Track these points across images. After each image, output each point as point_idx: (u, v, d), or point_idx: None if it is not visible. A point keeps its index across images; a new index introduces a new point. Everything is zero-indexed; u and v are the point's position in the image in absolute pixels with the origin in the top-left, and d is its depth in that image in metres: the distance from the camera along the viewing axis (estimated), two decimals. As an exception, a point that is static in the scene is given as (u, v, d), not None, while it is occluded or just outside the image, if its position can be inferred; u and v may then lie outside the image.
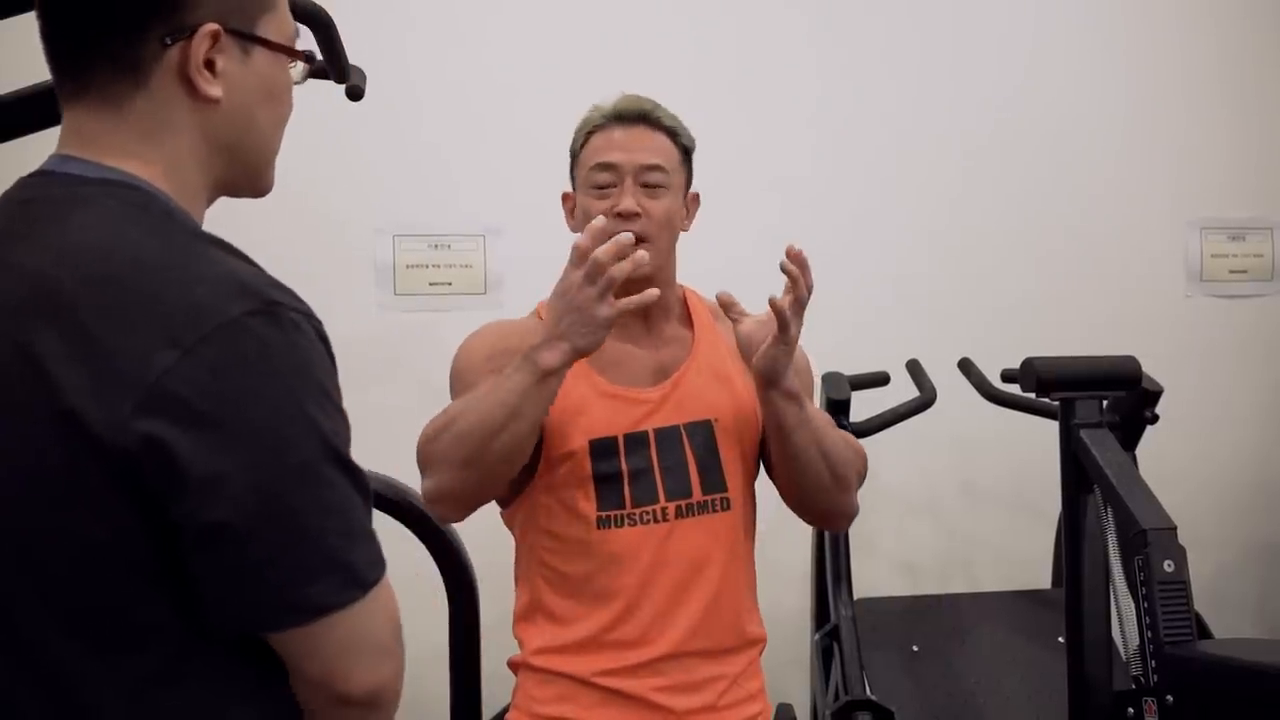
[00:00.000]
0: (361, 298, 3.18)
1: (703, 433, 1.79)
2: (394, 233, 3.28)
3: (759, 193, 3.34)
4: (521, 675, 1.82)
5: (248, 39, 1.07)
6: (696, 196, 1.89)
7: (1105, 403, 2.42)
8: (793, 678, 3.09)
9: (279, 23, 1.11)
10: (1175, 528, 2.17)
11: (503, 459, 1.65)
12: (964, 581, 3.48)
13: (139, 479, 0.93)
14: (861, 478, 1.87)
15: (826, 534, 2.97)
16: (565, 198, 1.87)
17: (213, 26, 1.04)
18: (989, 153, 3.55)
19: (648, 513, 1.75)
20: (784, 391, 1.71)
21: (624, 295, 1.64)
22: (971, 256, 3.53)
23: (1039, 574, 3.28)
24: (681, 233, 1.87)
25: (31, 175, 1.08)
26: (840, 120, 3.50)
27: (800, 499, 1.84)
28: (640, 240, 1.71)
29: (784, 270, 1.67)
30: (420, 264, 3.30)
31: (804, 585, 3.12)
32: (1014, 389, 2.76)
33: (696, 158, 1.89)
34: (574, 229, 1.84)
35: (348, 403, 1.05)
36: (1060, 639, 2.46)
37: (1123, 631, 2.32)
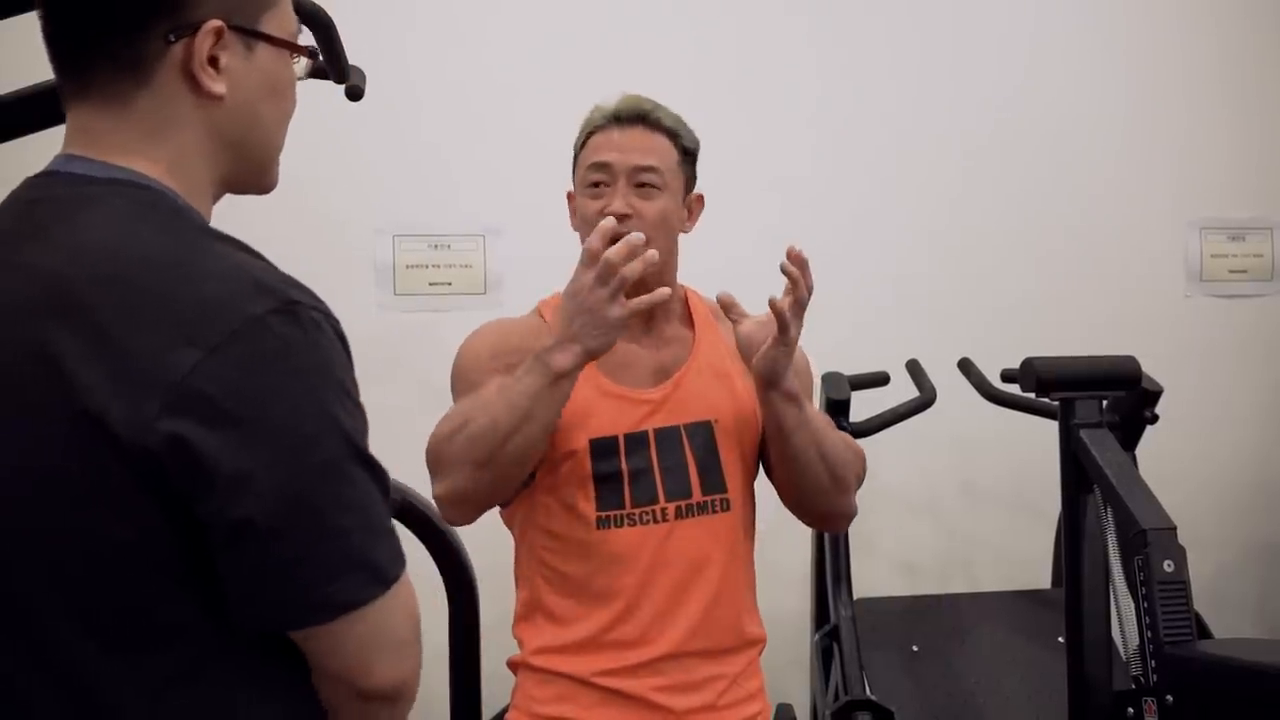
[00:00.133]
0: (361, 298, 3.18)
1: (703, 433, 1.79)
2: (394, 233, 3.28)
3: (759, 193, 3.34)
4: (521, 675, 1.82)
5: (251, 35, 1.07)
6: (700, 198, 1.88)
7: (1105, 403, 2.42)
8: (793, 678, 3.09)
9: (281, 18, 1.11)
10: (1175, 528, 2.17)
11: (516, 461, 1.66)
12: (964, 581, 3.48)
13: (163, 479, 0.93)
14: (860, 479, 1.87)
15: (826, 534, 2.97)
16: (569, 197, 1.87)
17: (216, 23, 1.03)
18: (989, 153, 3.55)
19: (647, 513, 1.75)
20: (784, 393, 1.72)
21: (630, 296, 1.64)
22: (971, 256, 3.53)
23: (1039, 574, 3.28)
24: (682, 234, 1.86)
25: (38, 176, 1.07)
26: (840, 120, 3.50)
27: (799, 500, 1.84)
28: None
29: (784, 271, 1.67)
30: (420, 264, 3.30)
31: (804, 586, 3.12)
32: (1014, 389, 2.76)
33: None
34: (575, 228, 1.85)
35: (348, 403, 1.05)
36: (1060, 639, 2.46)
37: (1123, 631, 2.32)
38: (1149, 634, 2.15)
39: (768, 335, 1.68)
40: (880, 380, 3.10)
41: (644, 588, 1.74)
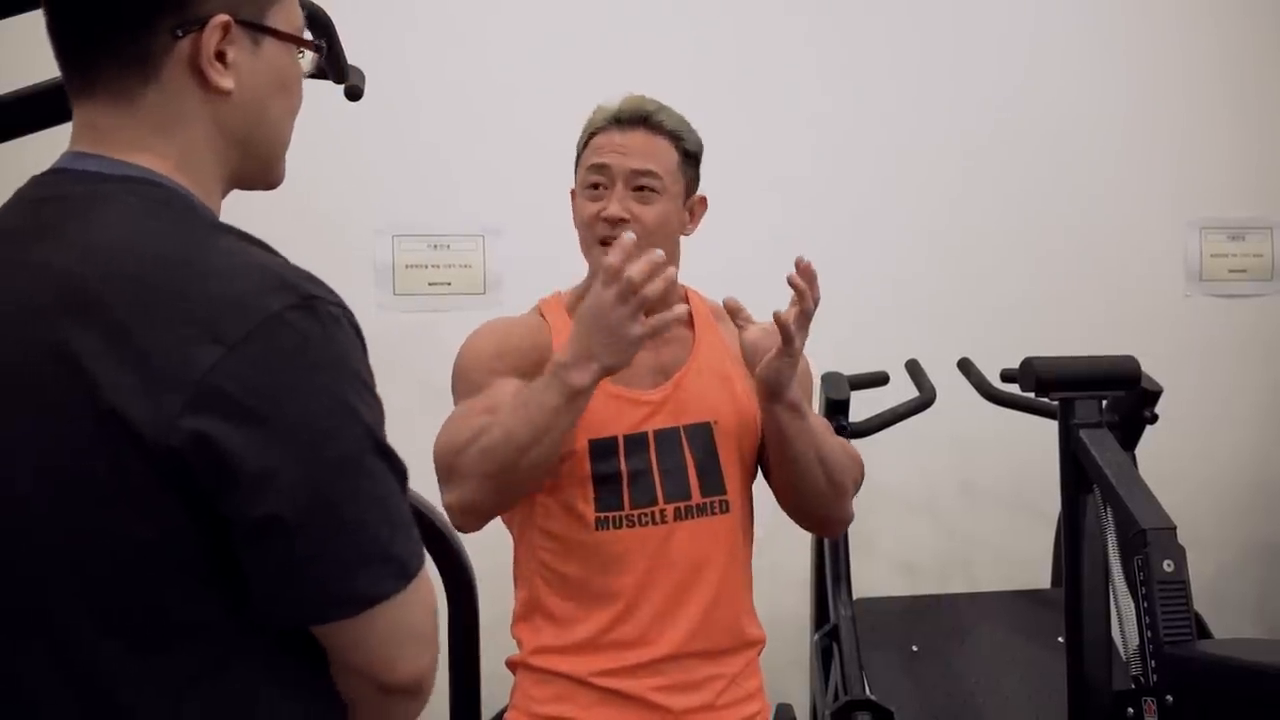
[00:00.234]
0: (361, 298, 3.15)
1: (702, 435, 1.79)
2: (393, 233, 3.28)
3: (759, 193, 3.34)
4: (520, 675, 1.82)
5: (258, 29, 1.06)
6: (703, 200, 1.87)
7: (1105, 402, 2.42)
8: (793, 678, 3.09)
9: (287, 12, 1.10)
10: (1175, 527, 2.17)
11: (530, 474, 1.67)
12: (963, 581, 3.48)
13: (187, 477, 0.93)
14: (858, 484, 1.87)
15: (826, 534, 2.97)
16: (572, 195, 1.86)
17: (223, 18, 1.03)
18: (989, 153, 3.55)
19: (646, 514, 1.75)
20: (787, 403, 1.72)
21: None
22: (971, 256, 3.53)
23: (1039, 574, 3.28)
24: (684, 236, 1.86)
25: (46, 174, 1.06)
26: (840, 120, 3.50)
27: (797, 504, 1.84)
28: None
29: (791, 283, 1.67)
30: (419, 264, 3.30)
31: (803, 586, 3.12)
32: (1013, 389, 2.76)
33: (697, 158, 1.88)
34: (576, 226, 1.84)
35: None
36: (1060, 639, 2.46)
37: (1122, 631, 2.32)
38: (1149, 634, 2.15)
39: (772, 343, 1.68)
40: (880, 380, 3.10)
41: (643, 589, 1.74)
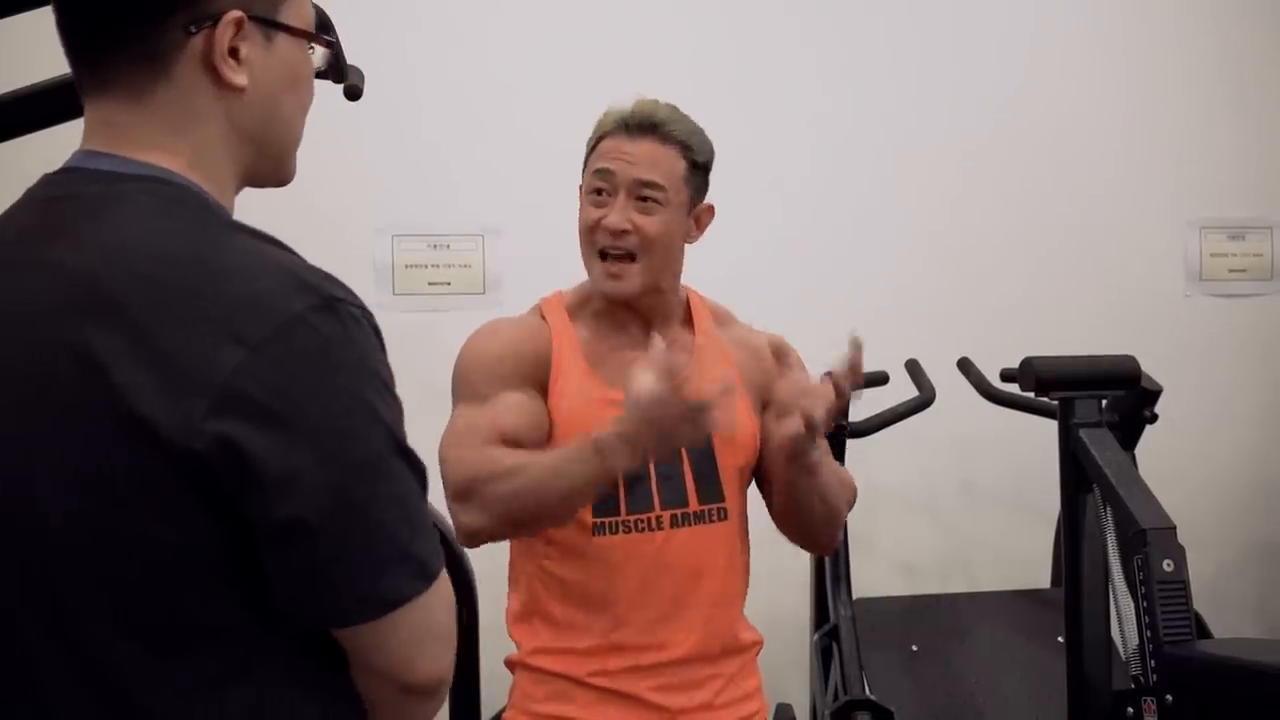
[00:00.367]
0: (361, 297, 3.17)
1: (701, 443, 1.79)
2: (393, 233, 3.28)
3: (759, 193, 3.34)
4: (518, 674, 1.82)
5: (271, 25, 1.06)
6: (710, 208, 1.83)
7: (1104, 402, 2.43)
8: (792, 678, 3.09)
9: (299, 7, 1.09)
10: (1174, 527, 2.18)
11: (547, 524, 1.71)
12: (963, 581, 3.48)
13: (210, 479, 0.92)
14: (850, 506, 1.89)
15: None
16: (581, 192, 1.84)
17: (237, 14, 1.02)
18: (989, 153, 3.55)
19: (642, 521, 1.74)
20: (807, 465, 1.72)
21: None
22: (971, 256, 3.53)
23: (1038, 574, 3.28)
24: (688, 244, 1.84)
25: (57, 172, 1.05)
26: (840, 121, 3.50)
27: (790, 529, 1.85)
28: (623, 257, 1.73)
29: (834, 383, 1.65)
30: (419, 264, 3.30)
31: (803, 586, 3.12)
32: (1013, 388, 2.76)
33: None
34: None
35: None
36: (1060, 639, 2.46)
37: (1122, 631, 2.32)
38: (1148, 634, 2.16)
39: (801, 405, 1.65)
40: (880, 380, 3.10)
41: (640, 596, 1.74)
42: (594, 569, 1.74)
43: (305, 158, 1.25)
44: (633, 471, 1.64)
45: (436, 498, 1.75)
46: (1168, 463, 2.97)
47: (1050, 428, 2.48)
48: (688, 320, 1.88)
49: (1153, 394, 2.81)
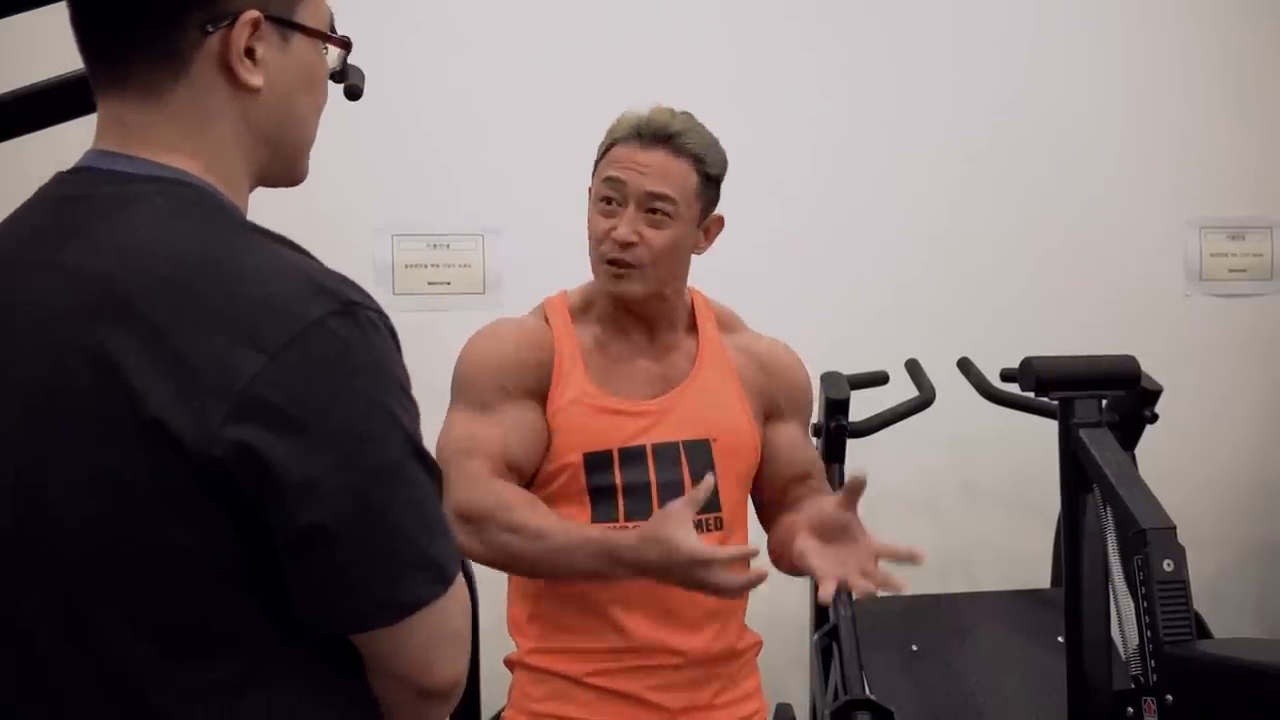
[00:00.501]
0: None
1: (701, 452, 1.78)
2: (393, 232, 3.28)
3: (760, 194, 3.33)
4: (517, 674, 1.82)
5: (288, 25, 1.05)
6: (720, 220, 1.83)
7: (1104, 402, 2.43)
8: (792, 678, 3.09)
9: (315, 8, 1.08)
10: (1174, 527, 2.17)
11: (535, 578, 1.77)
12: (964, 581, 3.48)
13: (229, 486, 0.92)
14: None
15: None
16: (590, 193, 1.83)
17: (254, 14, 1.01)
18: (989, 153, 3.55)
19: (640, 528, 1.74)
20: None
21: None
22: (971, 257, 3.53)
23: (1038, 574, 3.28)
24: (696, 254, 1.84)
25: (71, 172, 1.05)
26: (840, 122, 3.50)
27: (780, 563, 1.84)
28: (629, 266, 1.73)
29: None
30: (419, 264, 3.30)
31: (803, 586, 3.12)
32: (1013, 388, 2.76)
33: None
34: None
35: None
36: (1060, 639, 2.46)
37: (1122, 631, 2.32)
38: (1149, 634, 2.16)
39: (829, 529, 1.68)
40: (880, 380, 3.10)
41: (639, 601, 1.73)
42: (594, 574, 1.74)
43: (305, 157, 1.25)
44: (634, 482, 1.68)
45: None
46: (1168, 463, 2.97)
47: (1050, 428, 2.48)
48: (691, 325, 1.87)
49: (1153, 394, 2.81)
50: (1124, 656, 2.30)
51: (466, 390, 1.78)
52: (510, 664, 1.84)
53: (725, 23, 3.44)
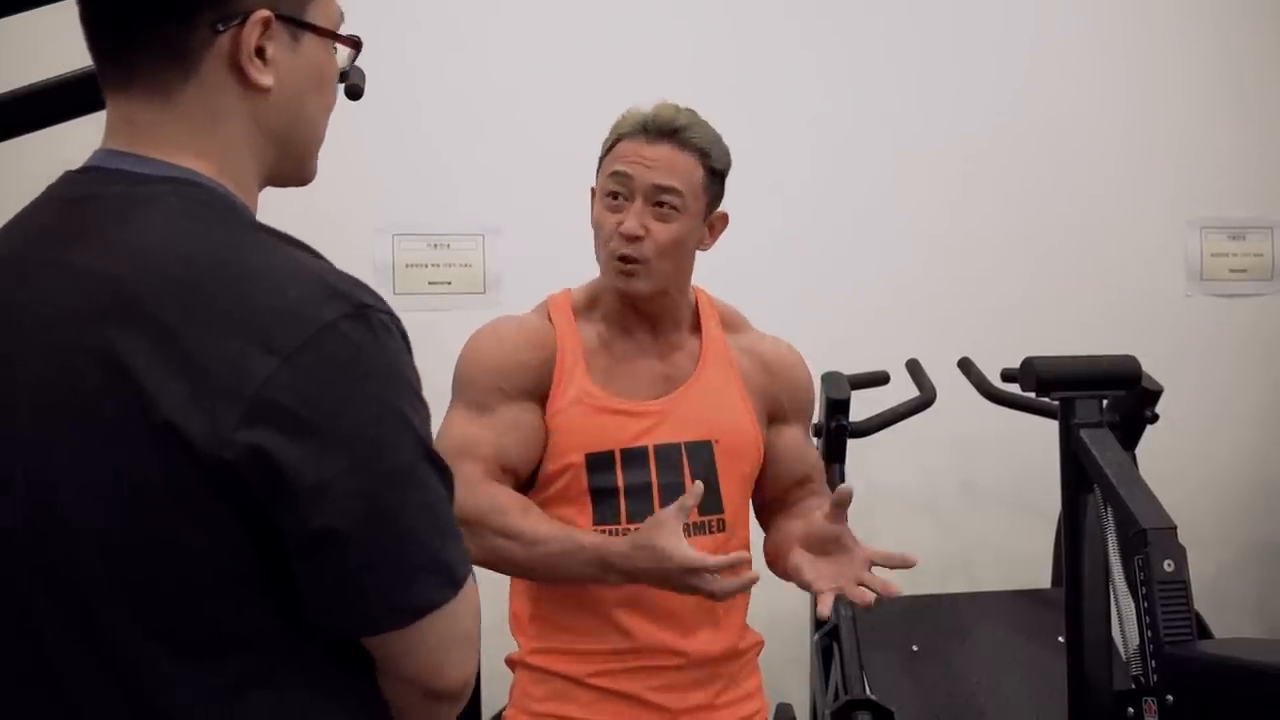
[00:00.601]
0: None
1: (703, 454, 1.78)
2: (393, 232, 3.28)
3: (760, 195, 3.33)
4: (518, 673, 1.82)
5: (298, 25, 1.04)
6: (724, 216, 1.83)
7: (1105, 402, 2.43)
8: (793, 678, 3.09)
9: (326, 7, 1.08)
10: (1175, 527, 2.17)
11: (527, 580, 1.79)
12: (964, 581, 3.48)
13: (241, 489, 0.91)
14: None
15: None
16: (593, 193, 1.83)
17: (264, 13, 1.00)
18: (989, 153, 3.55)
19: None
20: None
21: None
22: (971, 256, 3.53)
23: (1039, 574, 3.28)
24: (700, 251, 1.84)
25: (78, 171, 1.04)
26: (841, 122, 3.50)
27: (772, 563, 1.85)
28: (636, 261, 1.72)
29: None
30: (420, 263, 3.30)
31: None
32: (1014, 388, 2.76)
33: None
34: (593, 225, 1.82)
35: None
36: (1060, 639, 2.46)
37: (1123, 631, 2.32)
38: (1149, 634, 2.15)
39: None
40: (880, 380, 3.10)
41: (639, 604, 1.73)
42: (596, 575, 1.74)
43: (306, 157, 1.24)
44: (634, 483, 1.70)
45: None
46: (1168, 463, 2.97)
47: (1051, 428, 2.47)
48: (695, 324, 1.87)
49: (1153, 394, 2.81)
50: (1124, 657, 2.30)
51: (465, 390, 1.78)
52: (511, 664, 1.84)
53: (725, 22, 3.44)
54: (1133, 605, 2.24)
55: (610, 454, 1.74)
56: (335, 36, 1.09)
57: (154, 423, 0.91)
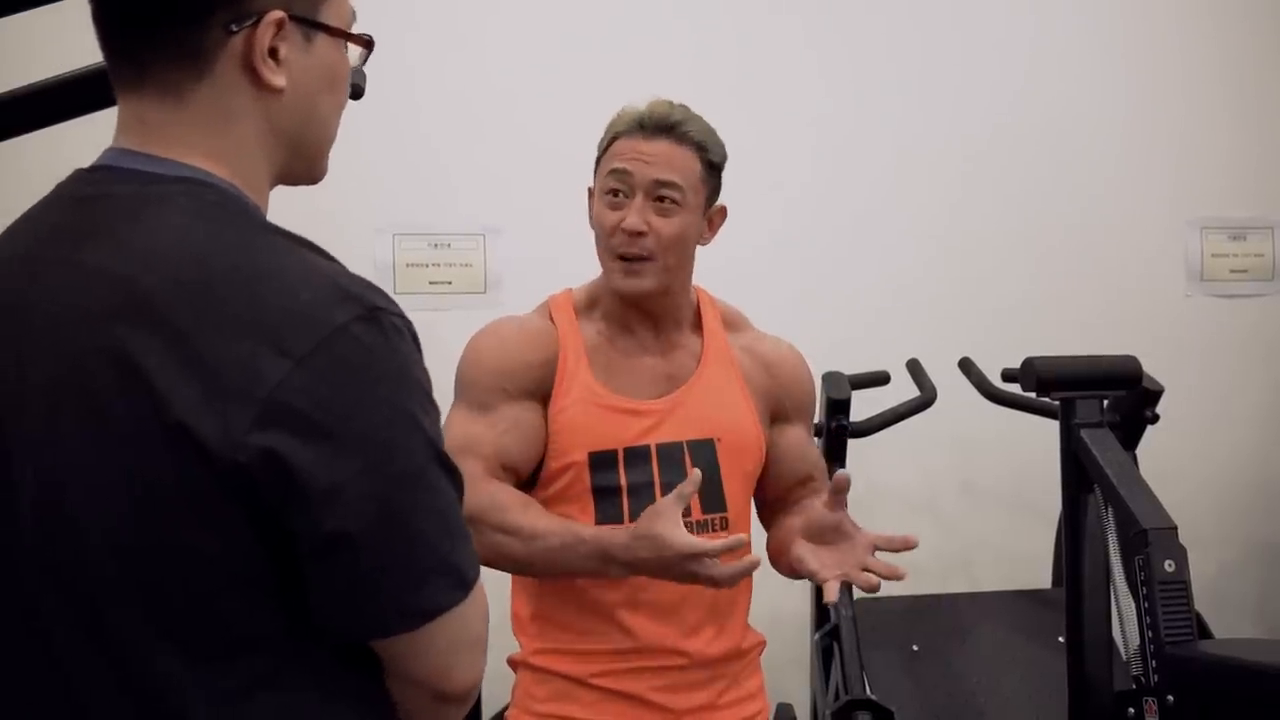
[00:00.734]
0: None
1: (705, 452, 1.78)
2: (394, 232, 3.28)
3: (761, 194, 3.33)
4: (521, 674, 1.82)
5: (311, 25, 1.04)
6: (723, 210, 1.83)
7: (1106, 402, 2.43)
8: (793, 678, 3.09)
9: (338, 7, 1.08)
10: (1176, 527, 2.17)
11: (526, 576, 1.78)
12: (964, 581, 3.48)
13: (253, 492, 0.91)
14: None
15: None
16: (590, 193, 1.83)
17: (278, 14, 1.00)
18: (990, 153, 3.55)
19: None
20: None
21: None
22: (972, 257, 3.53)
23: (1039, 574, 3.28)
24: (701, 245, 1.84)
25: (90, 170, 1.04)
26: (841, 122, 3.50)
27: (775, 561, 1.85)
28: (641, 258, 1.73)
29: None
30: (420, 263, 3.30)
31: (804, 586, 3.12)
32: (1014, 388, 2.76)
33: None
34: (592, 225, 1.82)
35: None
36: (1060, 639, 2.46)
37: (1123, 631, 2.32)
38: (1149, 634, 2.15)
39: (823, 529, 1.69)
40: (880, 380, 3.10)
41: (642, 603, 1.74)
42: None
43: (306, 157, 1.24)
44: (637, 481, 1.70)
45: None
46: (1168, 463, 2.97)
47: (1051, 428, 2.47)
48: (697, 323, 1.87)
49: (1154, 394, 2.81)
50: (1125, 657, 2.30)
51: (467, 390, 1.78)
52: (513, 664, 1.84)
53: (726, 22, 3.44)
54: (1133, 605, 2.24)
55: (613, 453, 1.74)
56: (349, 36, 1.09)
57: (166, 423, 0.90)
